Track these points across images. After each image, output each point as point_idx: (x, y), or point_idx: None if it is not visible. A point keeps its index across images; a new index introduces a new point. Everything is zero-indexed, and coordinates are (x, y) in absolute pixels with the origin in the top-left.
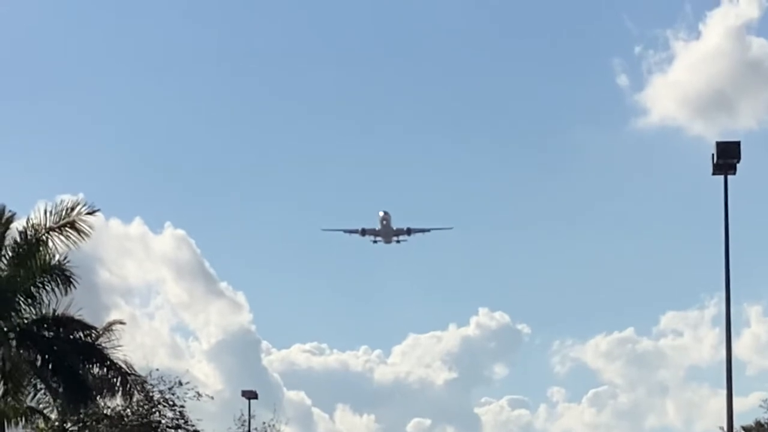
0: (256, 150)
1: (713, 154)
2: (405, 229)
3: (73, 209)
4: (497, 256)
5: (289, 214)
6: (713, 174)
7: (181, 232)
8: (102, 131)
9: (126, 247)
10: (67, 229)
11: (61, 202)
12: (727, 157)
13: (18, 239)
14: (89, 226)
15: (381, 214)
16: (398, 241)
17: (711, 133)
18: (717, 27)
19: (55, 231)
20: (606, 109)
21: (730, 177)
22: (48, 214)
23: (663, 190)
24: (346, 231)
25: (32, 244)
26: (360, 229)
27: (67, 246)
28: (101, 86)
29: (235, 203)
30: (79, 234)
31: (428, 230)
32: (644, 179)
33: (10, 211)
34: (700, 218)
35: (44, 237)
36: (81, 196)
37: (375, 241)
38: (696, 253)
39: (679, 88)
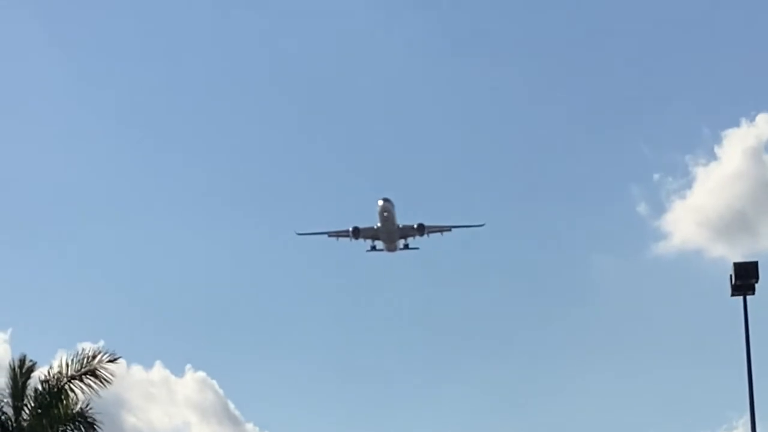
0: (270, 288)
1: (731, 276)
2: (415, 226)
3: (94, 357)
4: (515, 389)
5: (307, 345)
6: (732, 295)
7: (202, 374)
8: (118, 280)
9: (150, 392)
10: (88, 377)
11: (82, 350)
12: (745, 277)
13: (40, 388)
14: (110, 374)
15: (380, 203)
16: (406, 246)
17: (732, 254)
18: (735, 148)
19: (76, 379)
20: (626, 236)
21: (750, 297)
22: (69, 362)
23: (685, 313)
24: (331, 234)
25: (54, 393)
26: (351, 228)
27: (90, 394)
28: (114, 235)
29: (254, 343)
30: (101, 381)
31: (449, 228)
32: (665, 303)
33: (31, 360)
34: (723, 340)
35: (66, 386)
36: (102, 343)
37: (373, 247)
38: (721, 375)
39: (699, 211)
